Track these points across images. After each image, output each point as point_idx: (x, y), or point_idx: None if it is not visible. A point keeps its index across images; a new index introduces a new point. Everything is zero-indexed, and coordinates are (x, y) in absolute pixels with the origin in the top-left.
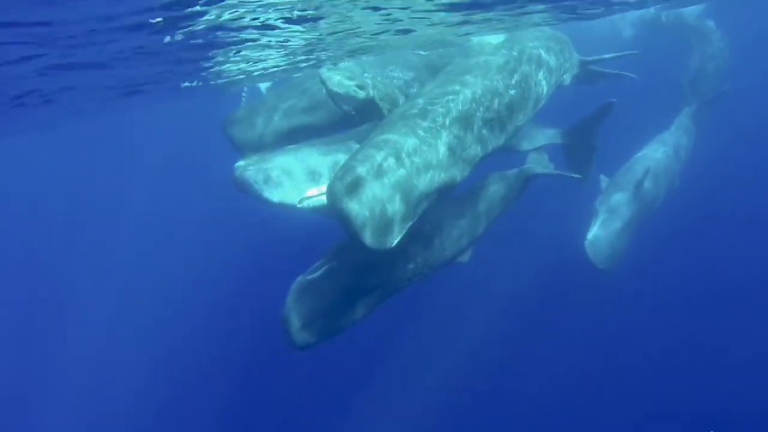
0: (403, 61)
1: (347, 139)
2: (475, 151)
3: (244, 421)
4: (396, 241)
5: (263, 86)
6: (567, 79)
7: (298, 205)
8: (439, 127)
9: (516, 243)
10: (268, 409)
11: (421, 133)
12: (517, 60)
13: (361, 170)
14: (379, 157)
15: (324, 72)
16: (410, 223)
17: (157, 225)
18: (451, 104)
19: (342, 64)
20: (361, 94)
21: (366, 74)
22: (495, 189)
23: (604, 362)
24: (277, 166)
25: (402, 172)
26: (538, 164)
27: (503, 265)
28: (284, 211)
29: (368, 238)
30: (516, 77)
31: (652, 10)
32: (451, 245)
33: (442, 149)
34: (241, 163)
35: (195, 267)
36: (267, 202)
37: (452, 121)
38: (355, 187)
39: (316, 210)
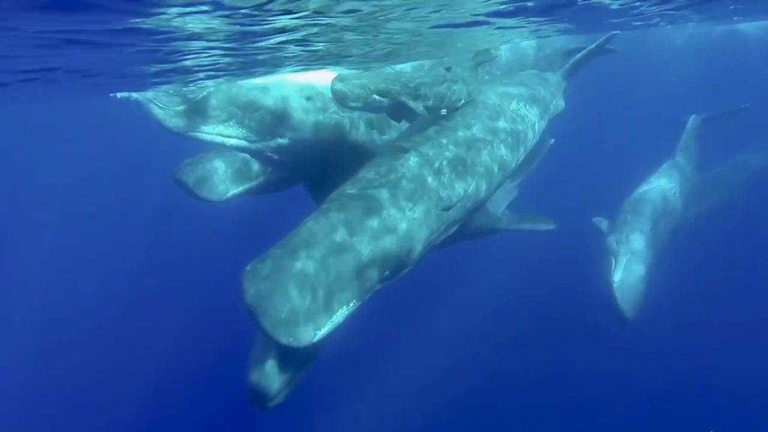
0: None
1: None
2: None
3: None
4: (320, 335)
5: None
6: (560, 106)
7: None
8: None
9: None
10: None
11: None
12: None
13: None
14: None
15: (337, 85)
16: (342, 314)
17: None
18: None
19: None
20: (385, 102)
21: (378, 79)
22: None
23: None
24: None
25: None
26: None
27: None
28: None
29: (273, 331)
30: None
31: None
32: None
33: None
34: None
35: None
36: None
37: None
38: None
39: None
